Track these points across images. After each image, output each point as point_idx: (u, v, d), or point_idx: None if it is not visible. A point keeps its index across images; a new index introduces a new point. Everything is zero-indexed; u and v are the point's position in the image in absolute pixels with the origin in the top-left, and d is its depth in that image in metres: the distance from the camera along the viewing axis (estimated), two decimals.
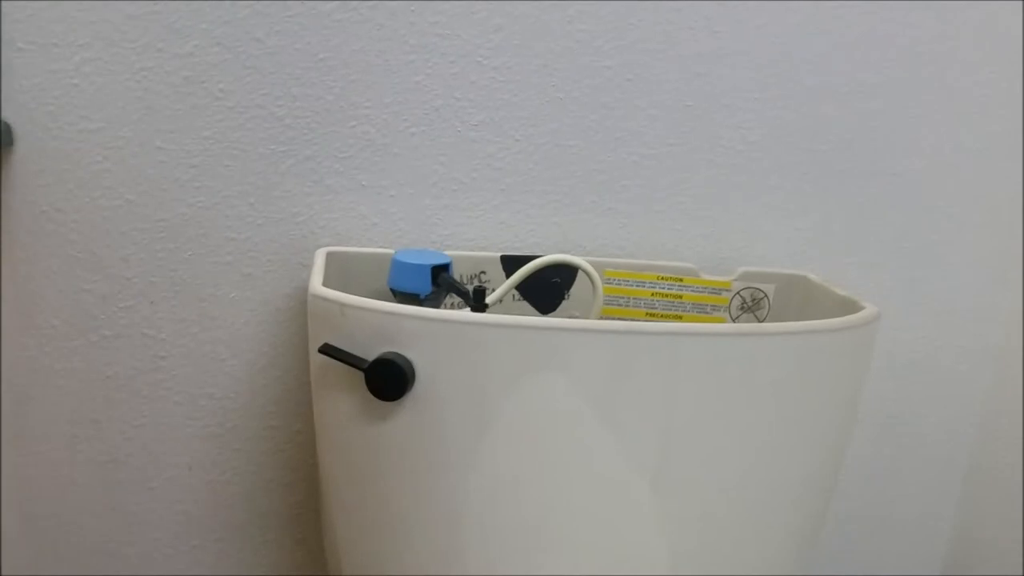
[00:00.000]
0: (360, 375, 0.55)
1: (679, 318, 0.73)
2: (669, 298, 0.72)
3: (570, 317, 0.72)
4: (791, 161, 0.77)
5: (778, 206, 0.77)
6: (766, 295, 0.74)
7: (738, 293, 0.73)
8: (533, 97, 0.73)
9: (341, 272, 0.68)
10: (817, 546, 0.74)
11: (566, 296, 0.72)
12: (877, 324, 0.62)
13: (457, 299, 0.70)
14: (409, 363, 0.53)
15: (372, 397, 0.55)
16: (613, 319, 0.72)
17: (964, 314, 0.84)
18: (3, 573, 0.75)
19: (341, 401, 0.57)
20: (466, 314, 0.54)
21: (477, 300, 0.61)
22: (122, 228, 0.70)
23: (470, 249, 0.74)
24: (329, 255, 0.68)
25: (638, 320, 0.72)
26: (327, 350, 0.54)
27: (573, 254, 0.73)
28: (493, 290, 0.67)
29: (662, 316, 0.73)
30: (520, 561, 0.59)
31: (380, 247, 0.73)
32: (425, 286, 0.62)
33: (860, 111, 0.76)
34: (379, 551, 0.60)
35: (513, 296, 0.71)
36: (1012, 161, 0.80)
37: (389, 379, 0.53)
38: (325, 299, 0.56)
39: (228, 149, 0.70)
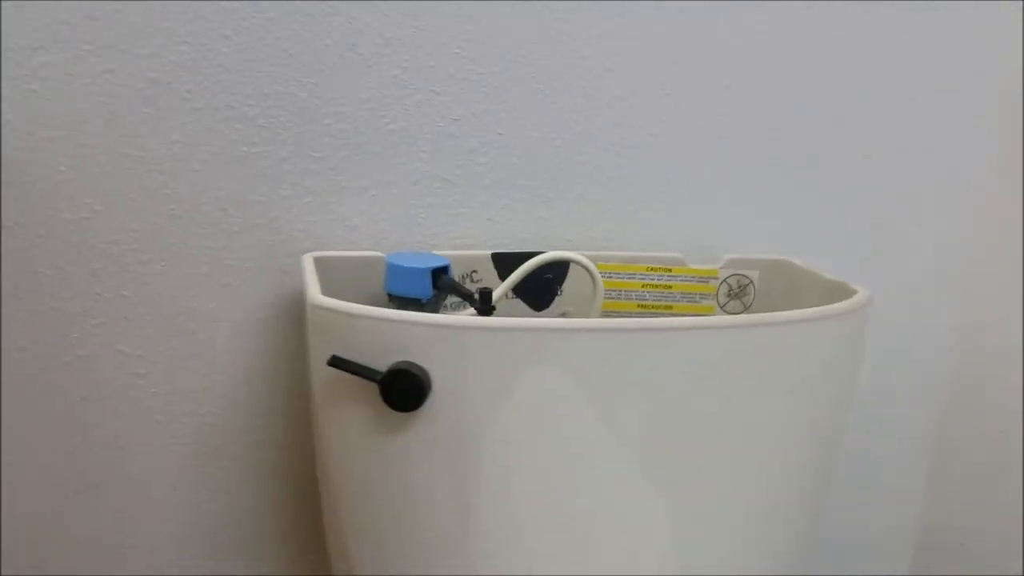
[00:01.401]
0: (371, 386, 0.53)
1: (670, 308, 0.73)
2: (659, 289, 0.72)
3: (564, 314, 0.71)
4: (770, 148, 0.77)
5: (758, 193, 0.78)
6: (751, 281, 0.74)
7: (725, 280, 0.74)
8: (513, 90, 0.71)
9: (326, 278, 0.66)
10: (818, 535, 0.76)
11: (559, 292, 0.71)
12: (870, 307, 0.64)
13: (454, 301, 0.68)
14: (425, 372, 0.52)
15: (385, 408, 0.53)
16: (608, 314, 0.72)
17: (936, 296, 0.86)
18: None
19: (350, 414, 0.55)
20: (486, 320, 0.52)
21: (484, 303, 0.60)
22: (90, 241, 0.66)
23: (456, 248, 0.72)
24: (316, 260, 0.65)
25: (630, 313, 0.72)
26: (337, 363, 0.52)
27: (560, 248, 0.72)
28: (490, 290, 0.65)
29: (653, 307, 0.72)
30: (533, 559, 0.59)
31: (363, 250, 0.71)
32: (426, 290, 0.60)
33: (834, 97, 0.78)
34: (392, 560, 0.58)
35: (507, 295, 0.69)
36: (985, 143, 0.83)
37: (406, 389, 0.52)
38: (328, 309, 0.54)
39: (198, 153, 0.66)
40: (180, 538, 0.73)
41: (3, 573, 0.70)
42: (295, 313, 0.71)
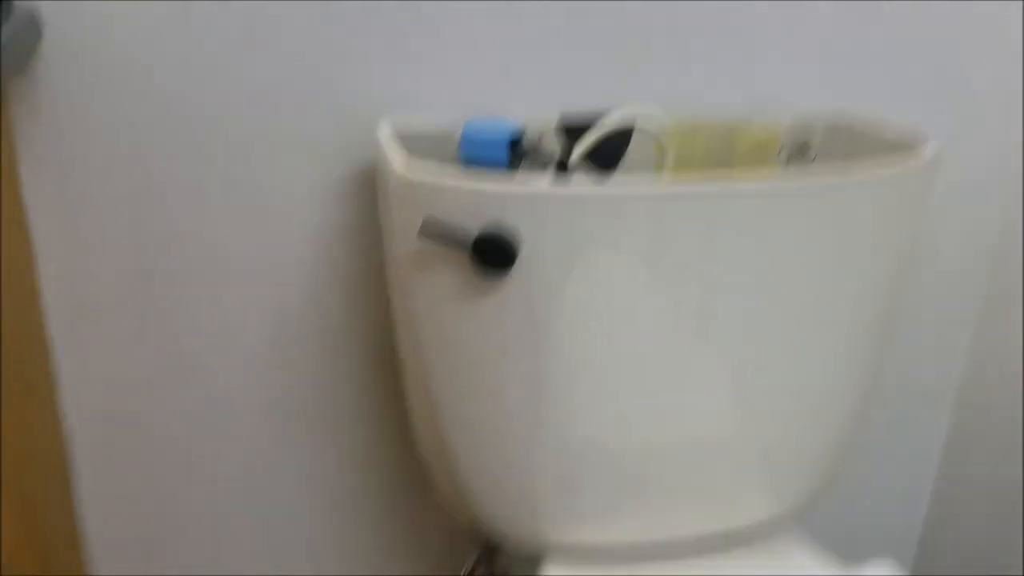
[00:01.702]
0: (460, 253, 0.54)
1: (731, 168, 0.73)
2: (721, 150, 0.72)
3: (632, 177, 0.71)
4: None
5: (817, 48, 0.77)
6: (813, 140, 0.74)
7: (786, 140, 0.73)
8: None
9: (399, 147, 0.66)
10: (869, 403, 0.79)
11: (624, 155, 0.71)
12: (938, 161, 0.64)
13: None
14: (514, 236, 0.53)
15: (474, 275, 0.55)
16: (674, 175, 0.72)
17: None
18: (81, 484, 0.74)
19: (438, 283, 0.56)
20: (575, 186, 0.53)
21: (562, 169, 0.60)
22: (165, 123, 0.66)
23: (524, 113, 0.72)
24: (390, 130, 0.65)
25: (693, 174, 0.72)
26: (427, 231, 0.53)
27: (626, 110, 0.72)
28: (566, 157, 0.65)
29: (715, 168, 0.73)
30: (603, 420, 0.62)
31: (435, 119, 0.70)
32: (503, 158, 0.60)
33: None
34: (481, 424, 0.61)
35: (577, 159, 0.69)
36: None
37: (496, 254, 0.53)
38: (413, 179, 0.54)
39: (264, 24, 0.65)
40: (263, 400, 0.77)
41: (99, 445, 0.74)
42: (368, 183, 0.71)
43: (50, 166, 0.66)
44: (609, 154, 0.68)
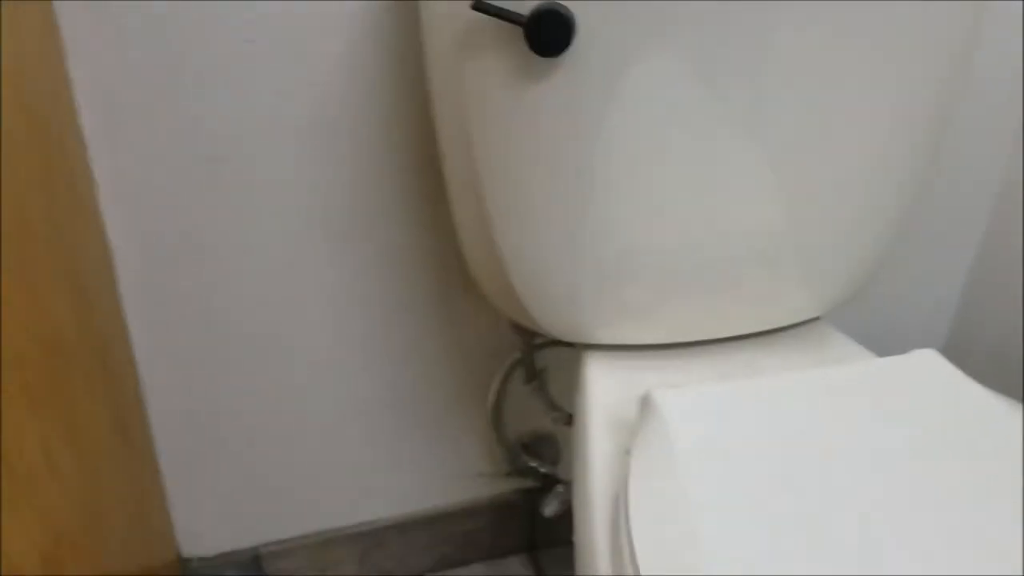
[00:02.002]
0: (514, 32, 0.52)
1: None
2: None
3: None
4: None
5: None
6: None
7: None
8: None
9: None
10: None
11: None
12: None
13: None
14: (571, 13, 0.50)
15: (528, 55, 0.53)
16: None
17: None
18: (125, 292, 0.75)
19: (491, 64, 0.54)
20: None
21: None
22: None
23: None
24: None
25: None
26: (480, 6, 0.51)
27: None
28: None
29: None
30: (654, 220, 0.61)
31: None
32: None
33: None
34: (526, 217, 0.61)
35: None
36: None
37: (552, 31, 0.51)
38: None
39: None
40: (301, 210, 0.76)
41: (136, 239, 0.74)
42: None
43: None
44: None
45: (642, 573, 0.45)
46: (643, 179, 0.59)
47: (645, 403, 0.58)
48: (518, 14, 0.50)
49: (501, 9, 0.51)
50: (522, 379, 0.86)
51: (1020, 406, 0.58)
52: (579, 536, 0.59)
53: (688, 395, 0.57)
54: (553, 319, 0.67)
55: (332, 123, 0.72)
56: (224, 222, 0.75)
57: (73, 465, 0.56)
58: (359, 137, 0.74)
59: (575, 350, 0.71)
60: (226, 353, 0.81)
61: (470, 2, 0.50)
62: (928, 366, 0.60)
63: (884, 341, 1.01)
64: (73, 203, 0.63)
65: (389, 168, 0.76)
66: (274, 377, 0.84)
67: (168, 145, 0.70)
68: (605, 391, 0.66)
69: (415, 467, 0.94)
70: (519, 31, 0.51)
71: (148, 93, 0.68)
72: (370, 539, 0.96)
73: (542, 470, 0.94)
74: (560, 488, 0.93)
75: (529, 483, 1.00)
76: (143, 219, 0.72)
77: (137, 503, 0.73)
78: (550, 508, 0.92)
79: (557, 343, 0.85)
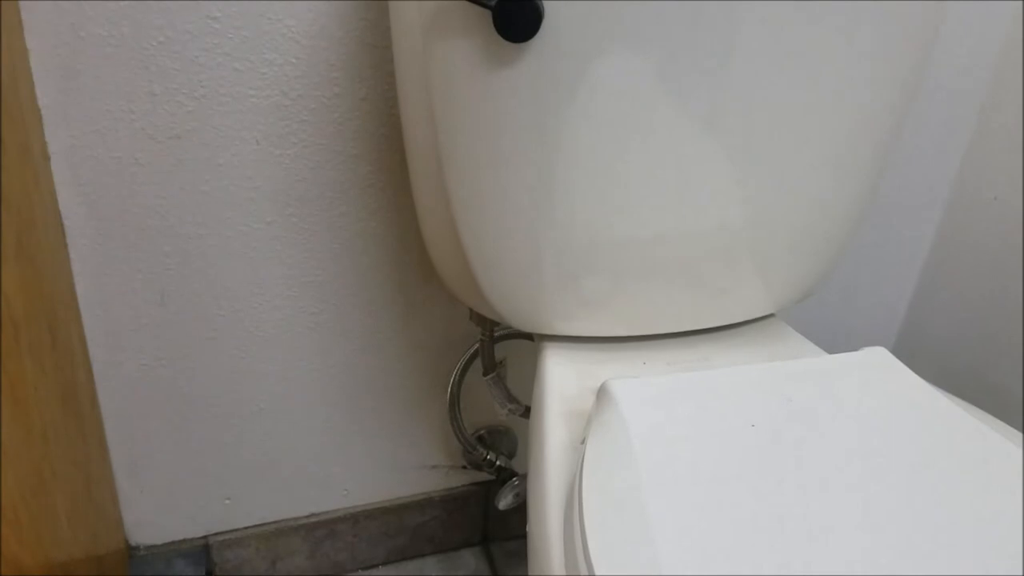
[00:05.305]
0: (484, 15, 0.52)
1: None
2: None
3: None
4: None
5: None
6: None
7: None
8: None
9: None
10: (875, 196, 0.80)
11: None
12: None
13: None
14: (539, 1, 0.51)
15: (496, 40, 0.53)
16: None
17: None
18: (76, 258, 0.73)
19: (458, 48, 0.54)
20: None
21: None
22: None
23: None
24: None
25: None
26: None
27: None
28: None
29: None
30: (613, 213, 0.62)
31: None
32: None
33: None
34: (488, 204, 0.61)
35: None
36: None
37: (521, 15, 0.51)
38: None
39: None
40: (262, 191, 0.75)
41: (90, 223, 0.72)
42: None
43: None
44: None
45: (596, 572, 0.45)
46: (605, 171, 0.59)
47: (601, 392, 0.58)
48: None
49: None
50: (480, 371, 0.86)
51: (966, 404, 0.60)
52: (532, 527, 0.59)
53: (644, 385, 0.58)
54: (513, 309, 0.67)
55: (293, 105, 0.72)
56: (180, 200, 0.73)
57: (19, 440, 0.55)
58: (321, 120, 0.73)
59: (534, 343, 0.72)
60: (178, 337, 0.80)
61: None
62: (878, 363, 0.61)
63: (836, 339, 1.03)
64: (25, 175, 0.61)
65: (351, 152, 0.75)
66: (228, 363, 0.82)
67: (125, 121, 0.69)
68: (563, 382, 0.66)
69: (369, 458, 0.93)
70: (487, 15, 0.51)
71: (106, 67, 0.66)
72: (322, 530, 0.95)
73: (498, 462, 0.94)
74: (515, 481, 0.93)
75: (483, 476, 1.00)
76: (98, 194, 0.71)
77: (84, 486, 0.72)
78: (504, 501, 0.92)
79: (517, 335, 0.85)
